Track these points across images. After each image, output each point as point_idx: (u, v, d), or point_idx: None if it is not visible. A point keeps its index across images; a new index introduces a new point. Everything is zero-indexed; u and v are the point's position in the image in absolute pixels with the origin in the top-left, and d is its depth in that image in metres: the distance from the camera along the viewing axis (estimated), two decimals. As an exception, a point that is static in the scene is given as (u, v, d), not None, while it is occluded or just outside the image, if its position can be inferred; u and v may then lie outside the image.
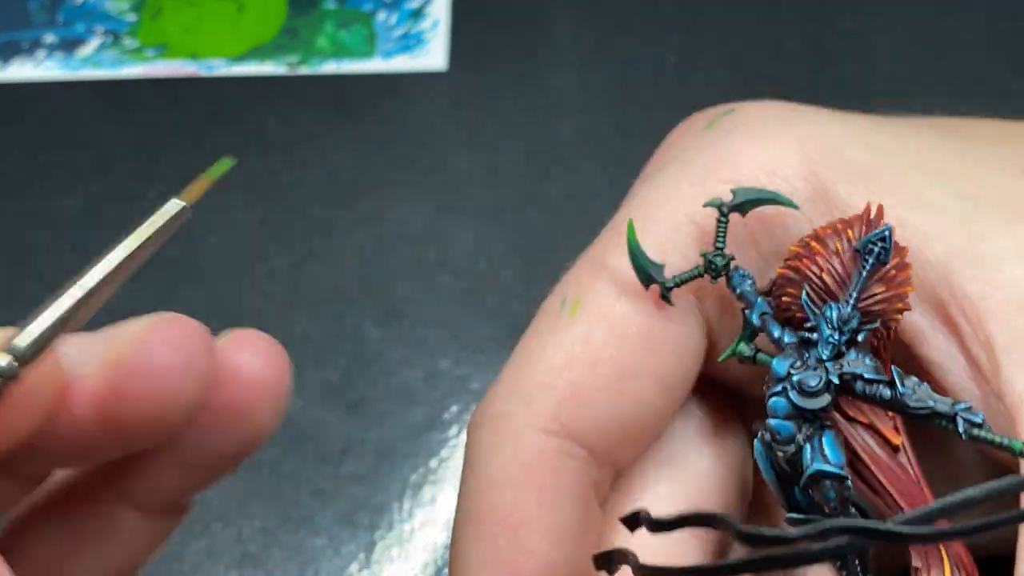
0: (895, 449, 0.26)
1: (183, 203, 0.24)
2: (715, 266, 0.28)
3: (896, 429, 0.26)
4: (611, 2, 0.69)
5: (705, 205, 0.28)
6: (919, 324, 0.28)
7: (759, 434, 0.26)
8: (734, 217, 0.28)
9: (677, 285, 0.28)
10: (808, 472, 0.25)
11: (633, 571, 0.23)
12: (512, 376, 0.30)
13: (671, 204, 0.29)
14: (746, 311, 0.28)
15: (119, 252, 0.23)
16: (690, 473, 0.30)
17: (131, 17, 0.70)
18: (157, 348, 0.22)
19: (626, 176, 0.60)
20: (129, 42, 0.69)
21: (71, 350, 0.22)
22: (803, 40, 0.67)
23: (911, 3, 0.68)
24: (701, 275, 0.28)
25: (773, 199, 0.28)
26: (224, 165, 0.25)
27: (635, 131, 0.64)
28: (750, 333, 0.28)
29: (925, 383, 0.26)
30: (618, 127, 0.64)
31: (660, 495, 0.30)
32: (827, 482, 0.25)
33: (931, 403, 0.25)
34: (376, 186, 0.63)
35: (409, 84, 0.66)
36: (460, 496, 0.29)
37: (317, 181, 0.63)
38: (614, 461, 0.30)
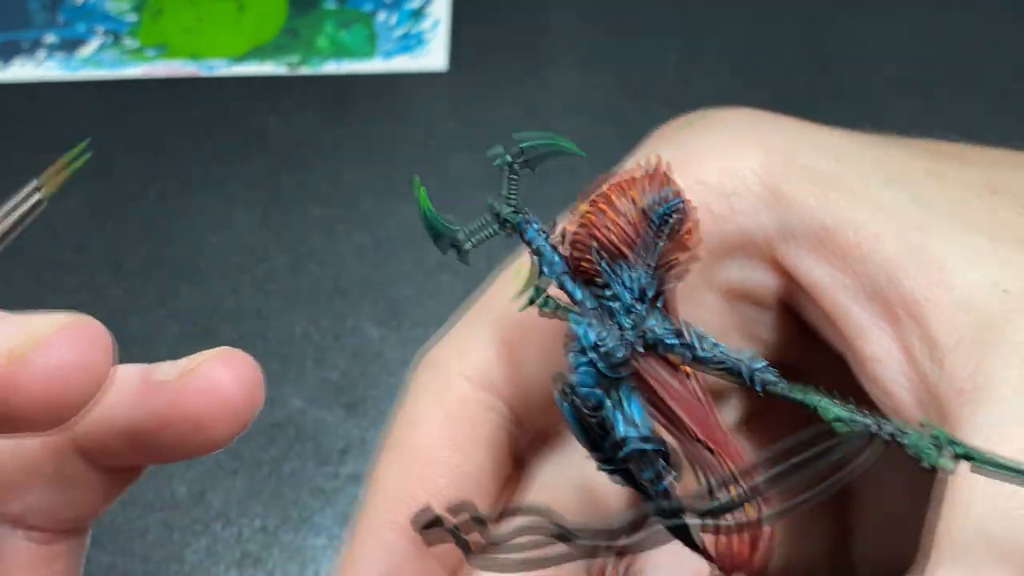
0: (686, 376, 0.26)
1: (39, 188, 0.24)
2: (508, 222, 0.28)
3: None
4: (611, 2, 0.69)
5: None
6: (860, 320, 0.28)
7: (560, 389, 0.26)
8: None
9: (475, 245, 0.29)
10: (626, 450, 0.26)
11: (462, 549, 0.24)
12: (457, 328, 0.32)
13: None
14: (541, 263, 0.28)
15: None
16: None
17: (131, 17, 0.70)
18: (60, 349, 0.22)
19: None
20: (129, 42, 0.69)
21: None
22: (803, 40, 0.67)
23: (911, 3, 0.68)
24: (496, 233, 0.28)
25: (556, 146, 0.29)
26: (79, 148, 0.25)
27: (635, 131, 0.64)
28: (538, 279, 0.28)
29: (722, 344, 0.26)
30: (618, 127, 0.64)
31: (547, 470, 0.31)
32: (643, 455, 0.26)
33: (728, 361, 0.26)
34: (376, 186, 0.63)
35: (409, 84, 0.66)
36: (391, 428, 0.31)
37: (317, 181, 0.63)
38: (536, 426, 0.31)
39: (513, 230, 0.28)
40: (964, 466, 0.23)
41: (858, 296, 0.29)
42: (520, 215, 0.28)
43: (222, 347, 0.27)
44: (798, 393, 0.25)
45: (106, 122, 0.66)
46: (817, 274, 0.29)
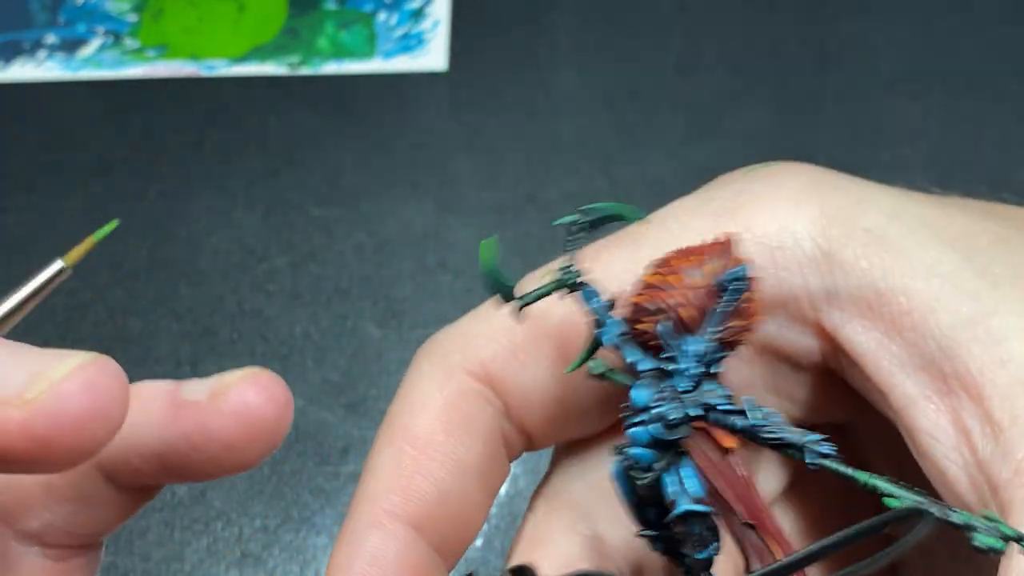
0: (725, 451, 0.27)
1: (64, 264, 0.25)
2: (565, 283, 0.28)
3: (732, 433, 0.27)
4: (611, 2, 0.69)
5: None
6: (911, 393, 0.28)
7: (617, 459, 0.27)
8: None
9: (529, 303, 0.29)
10: (677, 512, 0.26)
11: None
12: (468, 320, 0.31)
13: (681, 234, 0.30)
14: (595, 328, 0.28)
15: (4, 306, 0.24)
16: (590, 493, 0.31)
17: (132, 18, 0.70)
18: (75, 396, 0.23)
19: (626, 176, 0.60)
20: (130, 42, 0.69)
21: None
22: (803, 40, 0.67)
23: (911, 3, 0.68)
24: (552, 291, 0.29)
25: (619, 214, 0.29)
26: (110, 227, 0.26)
27: (635, 131, 0.64)
28: (594, 349, 0.28)
29: (778, 413, 0.27)
30: (618, 127, 0.64)
31: (578, 500, 0.31)
32: (693, 519, 0.26)
33: (781, 433, 0.26)
34: (376, 186, 0.63)
35: (409, 84, 0.66)
36: (387, 412, 0.31)
37: (317, 181, 0.63)
38: (527, 429, 0.31)
39: (572, 291, 0.28)
40: (1014, 548, 0.23)
41: (906, 365, 0.28)
42: (575, 277, 0.28)
43: (251, 368, 0.27)
44: (848, 469, 0.25)
45: (106, 122, 0.66)
46: (862, 339, 0.28)
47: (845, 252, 0.29)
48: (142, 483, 0.28)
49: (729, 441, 0.27)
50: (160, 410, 0.27)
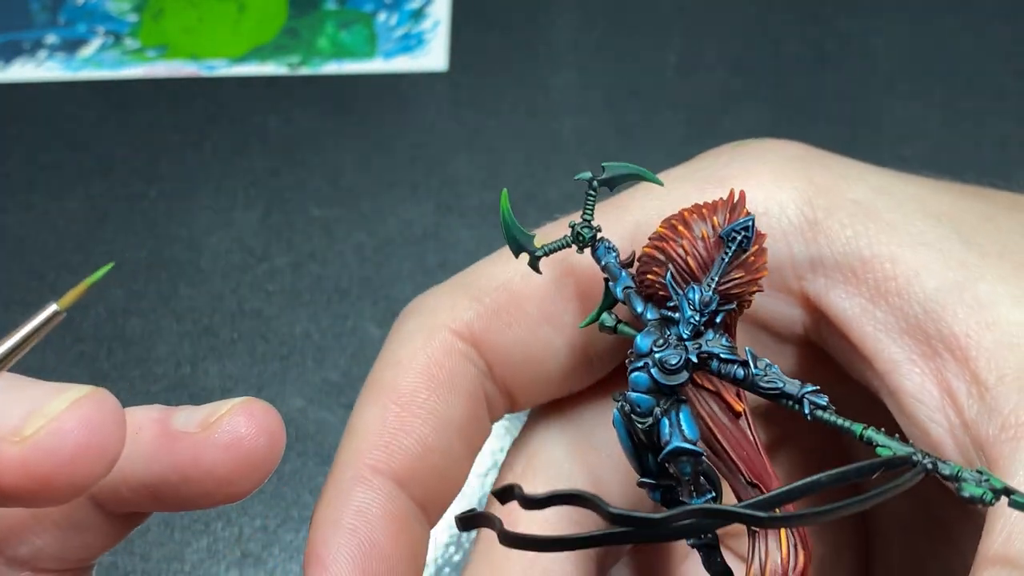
0: (737, 415, 0.27)
1: (58, 308, 0.25)
2: (582, 237, 0.29)
3: (739, 396, 0.28)
4: (611, 2, 0.69)
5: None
6: (895, 357, 0.28)
7: (618, 404, 0.28)
8: None
9: (546, 254, 0.30)
10: (668, 448, 0.27)
11: (498, 537, 0.24)
12: (456, 280, 0.32)
13: (670, 197, 0.30)
14: (609, 283, 0.29)
15: (2, 347, 0.24)
16: (595, 443, 0.32)
17: (132, 18, 0.70)
18: (72, 431, 0.23)
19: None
20: (130, 43, 0.69)
21: None
22: (803, 40, 0.67)
23: (911, 3, 0.68)
24: (568, 245, 0.29)
25: (640, 175, 0.30)
26: (104, 270, 0.26)
27: (635, 131, 0.64)
28: (610, 303, 0.29)
29: (776, 366, 0.27)
30: (618, 127, 0.64)
31: (556, 456, 0.32)
32: (684, 458, 0.27)
33: (780, 384, 0.26)
34: (376, 186, 0.63)
35: (409, 84, 0.66)
36: (373, 368, 0.32)
37: (317, 181, 0.63)
38: (510, 390, 0.31)
39: (585, 245, 0.29)
40: (1003, 501, 0.24)
41: (891, 330, 0.28)
42: (593, 232, 0.29)
43: (243, 398, 0.27)
44: (845, 421, 0.26)
45: (106, 122, 0.66)
46: (846, 305, 0.29)
47: (831, 221, 0.29)
48: (131, 511, 0.28)
49: (739, 405, 0.27)
50: (150, 440, 0.27)
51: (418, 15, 0.69)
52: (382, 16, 0.69)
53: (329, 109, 0.66)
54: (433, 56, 0.67)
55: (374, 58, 0.67)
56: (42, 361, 0.56)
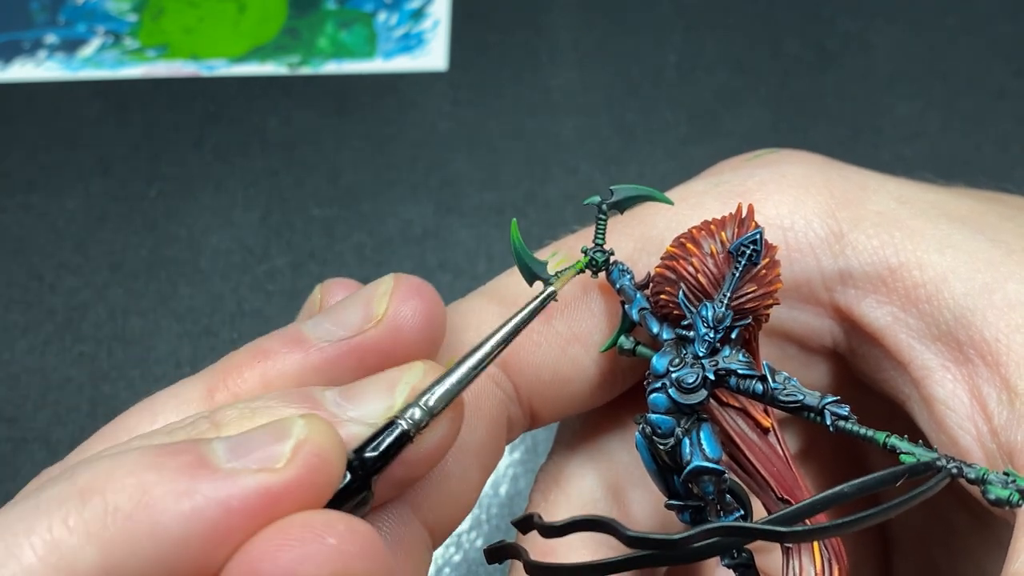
0: (765, 431, 0.27)
1: (553, 289, 0.28)
2: (596, 262, 0.29)
3: (766, 412, 0.28)
4: (611, 2, 0.69)
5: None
6: (929, 364, 0.28)
7: (640, 427, 0.28)
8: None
9: (563, 284, 0.30)
10: (688, 469, 0.27)
11: (524, 567, 0.24)
12: (471, 298, 0.32)
13: (691, 216, 0.30)
14: (625, 305, 0.29)
15: (504, 331, 0.27)
16: (616, 465, 0.32)
17: (132, 17, 0.70)
18: (404, 305, 0.26)
19: (626, 176, 0.60)
20: (130, 42, 0.69)
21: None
22: (803, 40, 0.67)
23: (911, 3, 0.68)
24: (582, 271, 0.29)
25: (649, 196, 0.30)
26: (580, 264, 0.28)
27: (635, 131, 0.64)
28: (628, 326, 0.29)
29: (795, 378, 0.27)
30: (618, 127, 0.64)
31: (586, 485, 0.32)
32: (705, 477, 0.27)
33: (800, 396, 0.27)
34: (376, 186, 0.63)
35: (409, 84, 0.66)
36: None
37: (317, 181, 0.63)
38: (534, 409, 0.31)
39: (599, 269, 0.29)
40: None
41: (923, 336, 0.28)
42: (606, 256, 0.29)
43: (391, 276, 0.28)
44: (867, 430, 0.26)
45: (106, 122, 0.66)
46: (878, 314, 0.29)
47: (856, 232, 0.29)
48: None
49: (767, 421, 0.27)
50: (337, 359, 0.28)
51: (418, 15, 0.69)
52: (382, 16, 0.69)
53: (329, 109, 0.66)
54: (433, 56, 0.67)
55: (374, 58, 0.67)
56: (42, 361, 0.56)
